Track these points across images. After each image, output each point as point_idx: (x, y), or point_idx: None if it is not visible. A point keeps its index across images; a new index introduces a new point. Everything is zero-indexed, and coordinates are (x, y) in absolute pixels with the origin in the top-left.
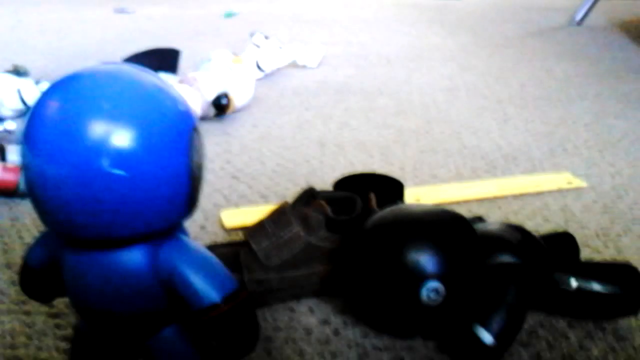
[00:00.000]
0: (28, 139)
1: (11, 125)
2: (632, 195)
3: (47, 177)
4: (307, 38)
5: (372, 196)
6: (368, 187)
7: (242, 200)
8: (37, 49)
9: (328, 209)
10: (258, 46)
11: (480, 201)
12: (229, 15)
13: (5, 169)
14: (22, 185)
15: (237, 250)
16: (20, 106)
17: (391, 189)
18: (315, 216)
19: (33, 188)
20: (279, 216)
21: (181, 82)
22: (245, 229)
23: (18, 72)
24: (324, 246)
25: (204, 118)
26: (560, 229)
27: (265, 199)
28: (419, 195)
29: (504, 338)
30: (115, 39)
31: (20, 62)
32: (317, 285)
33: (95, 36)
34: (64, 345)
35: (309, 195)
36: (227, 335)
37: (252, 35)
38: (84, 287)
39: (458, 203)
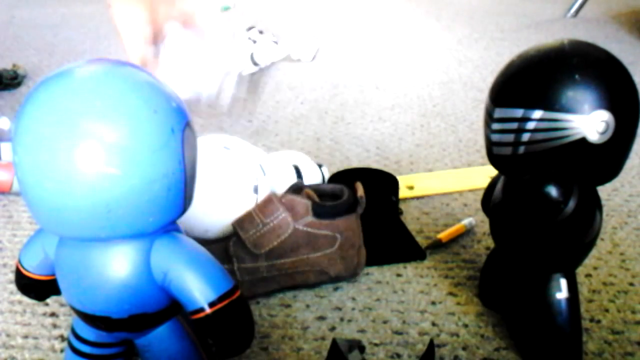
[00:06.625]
0: (18, 136)
1: (5, 122)
2: (627, 189)
3: (38, 176)
4: (302, 32)
5: (359, 185)
6: (362, 181)
7: None
8: (32, 45)
9: (315, 196)
10: (254, 41)
11: (474, 191)
12: (225, 8)
13: (0, 167)
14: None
15: (228, 243)
16: None
17: (386, 183)
18: (302, 202)
19: (25, 186)
20: (266, 205)
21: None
22: (235, 220)
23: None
24: (311, 231)
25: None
26: None
27: None
28: (412, 182)
29: None
30: (110, 33)
31: (15, 58)
32: (308, 274)
33: (89, 31)
34: (59, 344)
35: (296, 190)
36: (223, 333)
37: (248, 29)
38: (79, 285)
39: (451, 193)
